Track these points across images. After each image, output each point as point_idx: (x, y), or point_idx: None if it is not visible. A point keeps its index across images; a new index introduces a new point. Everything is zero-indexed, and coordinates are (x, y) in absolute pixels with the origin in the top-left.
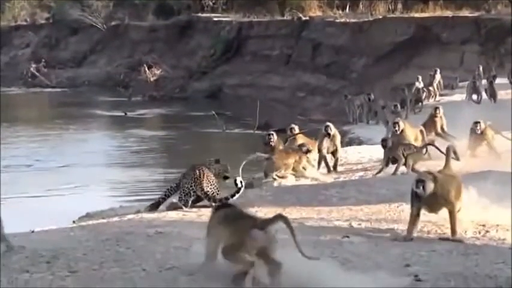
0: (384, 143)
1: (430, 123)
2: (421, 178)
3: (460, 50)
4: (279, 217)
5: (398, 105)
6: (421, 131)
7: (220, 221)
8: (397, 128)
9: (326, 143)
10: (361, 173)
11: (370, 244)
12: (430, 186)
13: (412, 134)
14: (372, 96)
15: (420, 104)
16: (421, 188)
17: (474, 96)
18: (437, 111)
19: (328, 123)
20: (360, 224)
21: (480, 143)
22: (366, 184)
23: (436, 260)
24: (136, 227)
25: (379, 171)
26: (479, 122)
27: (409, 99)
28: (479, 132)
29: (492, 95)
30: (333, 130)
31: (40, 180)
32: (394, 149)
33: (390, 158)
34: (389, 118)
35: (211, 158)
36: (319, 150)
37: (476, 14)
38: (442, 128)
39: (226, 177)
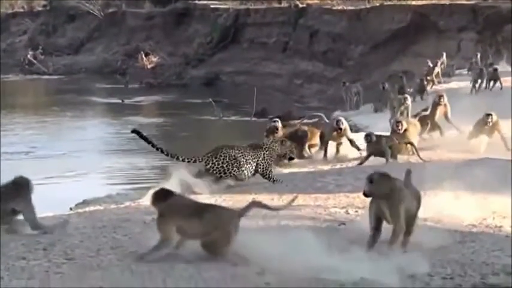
0: (367, 138)
1: (433, 111)
2: (370, 176)
3: (457, 37)
4: (253, 204)
5: (409, 98)
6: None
7: (180, 213)
8: (400, 127)
9: (335, 135)
10: (358, 160)
11: (366, 232)
12: (374, 189)
13: (415, 130)
14: (386, 85)
15: (425, 92)
16: (368, 183)
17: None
18: (441, 99)
19: (340, 118)
20: (356, 211)
21: (491, 135)
22: (362, 171)
23: (433, 248)
24: (133, 214)
25: (361, 163)
26: (491, 115)
27: (407, 87)
28: (490, 124)
29: (497, 81)
30: (344, 124)
31: (37, 167)
32: (378, 144)
33: (372, 152)
34: (396, 106)
35: (277, 139)
36: (321, 139)
37: (473, 1)
38: (446, 116)
39: (291, 158)
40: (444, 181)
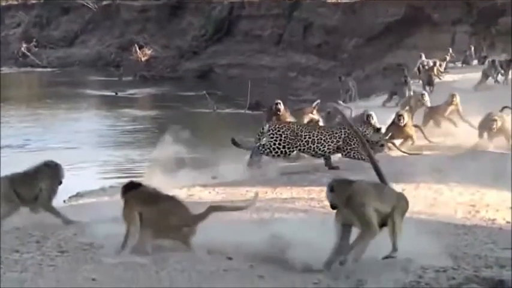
0: None
1: (444, 108)
2: (330, 185)
3: (452, 30)
4: (211, 209)
5: (426, 94)
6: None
7: (141, 200)
8: (402, 121)
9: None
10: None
11: None
12: (336, 198)
13: (412, 127)
14: (408, 78)
15: (431, 86)
16: (328, 192)
17: (500, 77)
18: (454, 99)
19: (370, 112)
20: None
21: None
22: (357, 164)
23: (426, 241)
24: None
25: None
26: (496, 120)
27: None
28: (495, 131)
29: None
30: (375, 118)
31: (32, 160)
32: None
33: None
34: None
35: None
36: None
37: None
38: (458, 113)
39: (382, 145)
40: (438, 174)
